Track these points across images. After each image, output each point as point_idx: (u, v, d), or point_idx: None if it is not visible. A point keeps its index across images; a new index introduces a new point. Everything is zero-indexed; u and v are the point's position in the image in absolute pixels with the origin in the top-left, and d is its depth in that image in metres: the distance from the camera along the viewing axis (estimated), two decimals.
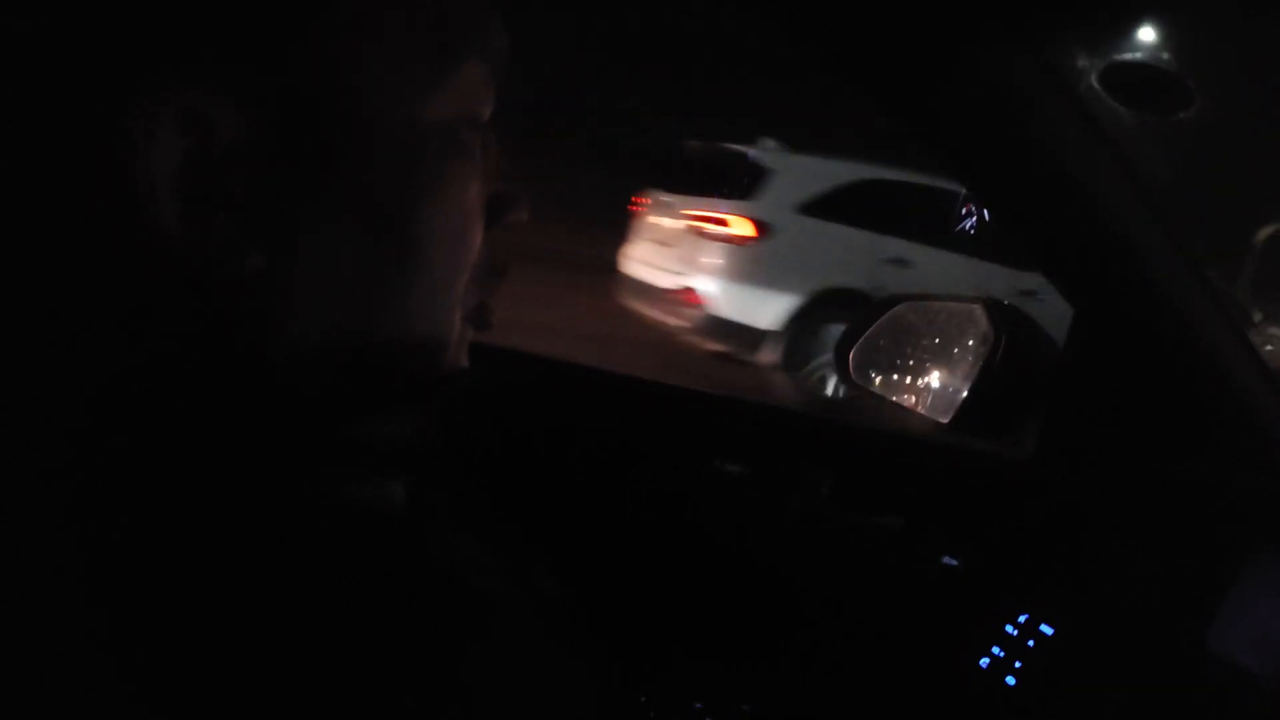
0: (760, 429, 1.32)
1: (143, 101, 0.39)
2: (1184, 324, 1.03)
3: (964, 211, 6.13)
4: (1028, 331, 1.34)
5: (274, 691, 0.37)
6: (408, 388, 0.51)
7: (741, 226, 5.93)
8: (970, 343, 1.50)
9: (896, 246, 6.08)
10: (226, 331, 0.44)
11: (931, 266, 6.03)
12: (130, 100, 0.39)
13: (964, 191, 5.65)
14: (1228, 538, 1.02)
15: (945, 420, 1.38)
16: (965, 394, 1.40)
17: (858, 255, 5.99)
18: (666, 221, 6.42)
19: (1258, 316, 8.48)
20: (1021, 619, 1.06)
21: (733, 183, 6.12)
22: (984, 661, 1.07)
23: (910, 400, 1.57)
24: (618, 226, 7.10)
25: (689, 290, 5.99)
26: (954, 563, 1.19)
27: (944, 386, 1.54)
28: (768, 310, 5.93)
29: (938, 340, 1.58)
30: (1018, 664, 1.04)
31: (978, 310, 1.45)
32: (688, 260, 6.10)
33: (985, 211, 5.76)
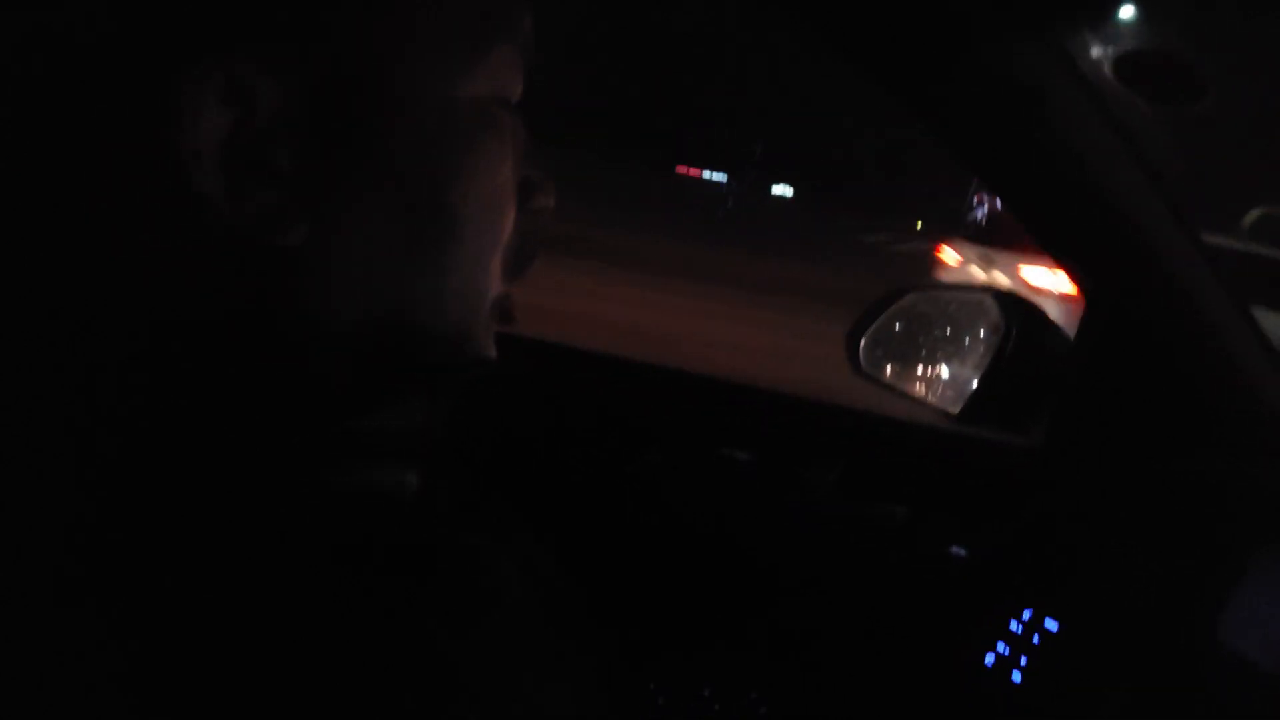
0: (767, 416, 1.31)
1: (188, 73, 0.40)
2: (1196, 315, 1.03)
3: (975, 201, 6.08)
4: (1038, 322, 1.34)
5: (279, 677, 0.37)
6: (433, 373, 0.51)
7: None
8: (981, 333, 1.50)
9: None
10: (264, 306, 0.44)
11: None
12: (176, 72, 0.40)
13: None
14: (1237, 531, 1.02)
15: (954, 411, 1.38)
16: (975, 385, 1.39)
17: None
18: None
19: None
20: (1026, 615, 1.06)
21: None
22: (989, 658, 1.06)
23: (919, 390, 1.56)
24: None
25: None
26: (962, 553, 1.19)
27: (954, 377, 1.54)
28: None
29: (948, 330, 1.58)
30: (1023, 661, 1.04)
31: (988, 300, 1.45)
32: None
33: (997, 201, 5.73)
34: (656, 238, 11.13)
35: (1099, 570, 1.07)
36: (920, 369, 1.57)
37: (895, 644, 1.14)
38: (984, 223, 6.09)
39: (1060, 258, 1.07)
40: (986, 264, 6.01)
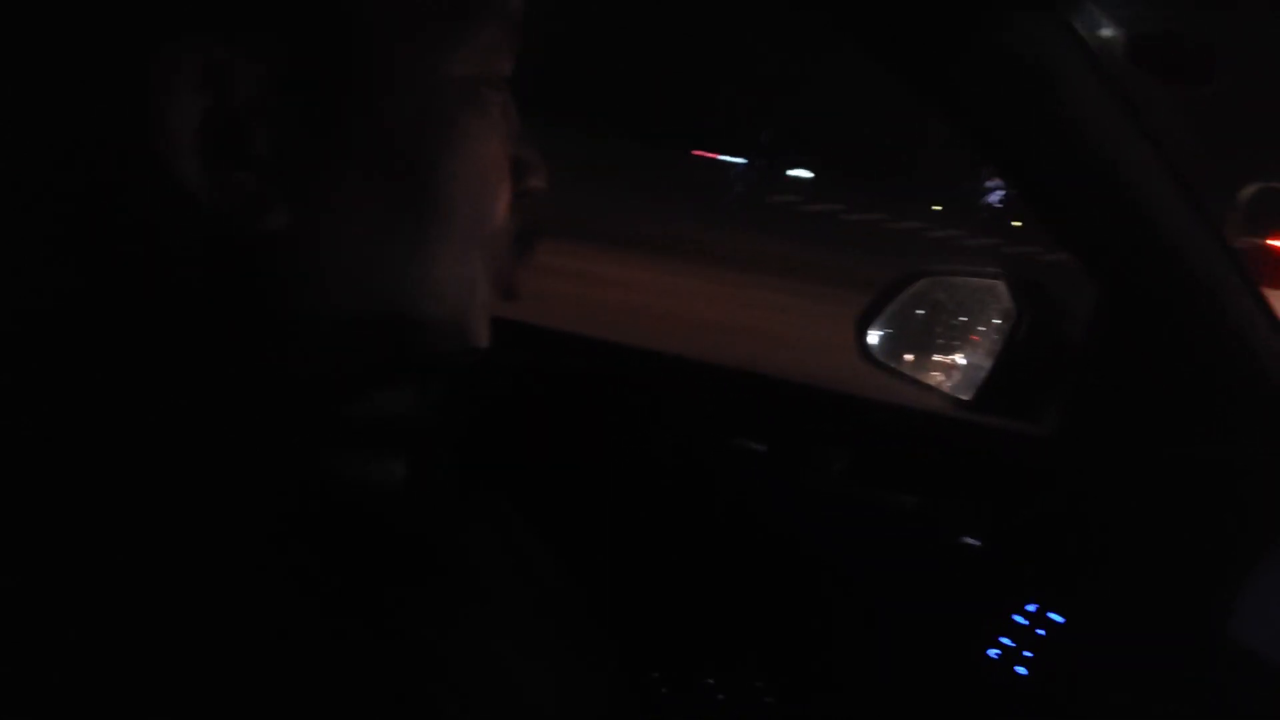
0: (774, 404, 1.31)
1: (160, 56, 0.39)
2: (1209, 299, 1.01)
3: (990, 185, 6.06)
4: (1051, 308, 1.33)
5: (261, 670, 0.36)
6: (425, 359, 0.50)
7: None
8: (993, 319, 1.49)
9: None
10: (246, 293, 0.43)
11: None
12: (147, 55, 0.39)
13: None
14: (1250, 524, 1.01)
15: (967, 398, 1.37)
16: (988, 371, 1.38)
17: None
18: None
19: None
20: (1031, 608, 1.05)
21: None
22: (994, 652, 1.05)
23: (931, 377, 1.55)
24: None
25: None
26: (971, 543, 1.18)
27: (965, 363, 1.53)
28: None
29: (960, 316, 1.57)
30: (1028, 654, 1.03)
31: (1000, 286, 1.43)
32: None
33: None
34: (668, 220, 11.11)
35: (1108, 562, 1.06)
36: (931, 355, 1.56)
37: (900, 634, 1.13)
38: (1000, 206, 6.08)
39: (1070, 242, 1.05)
40: None
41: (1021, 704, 1.03)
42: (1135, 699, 0.97)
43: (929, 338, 1.57)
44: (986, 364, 1.40)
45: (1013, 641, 1.05)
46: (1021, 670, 1.03)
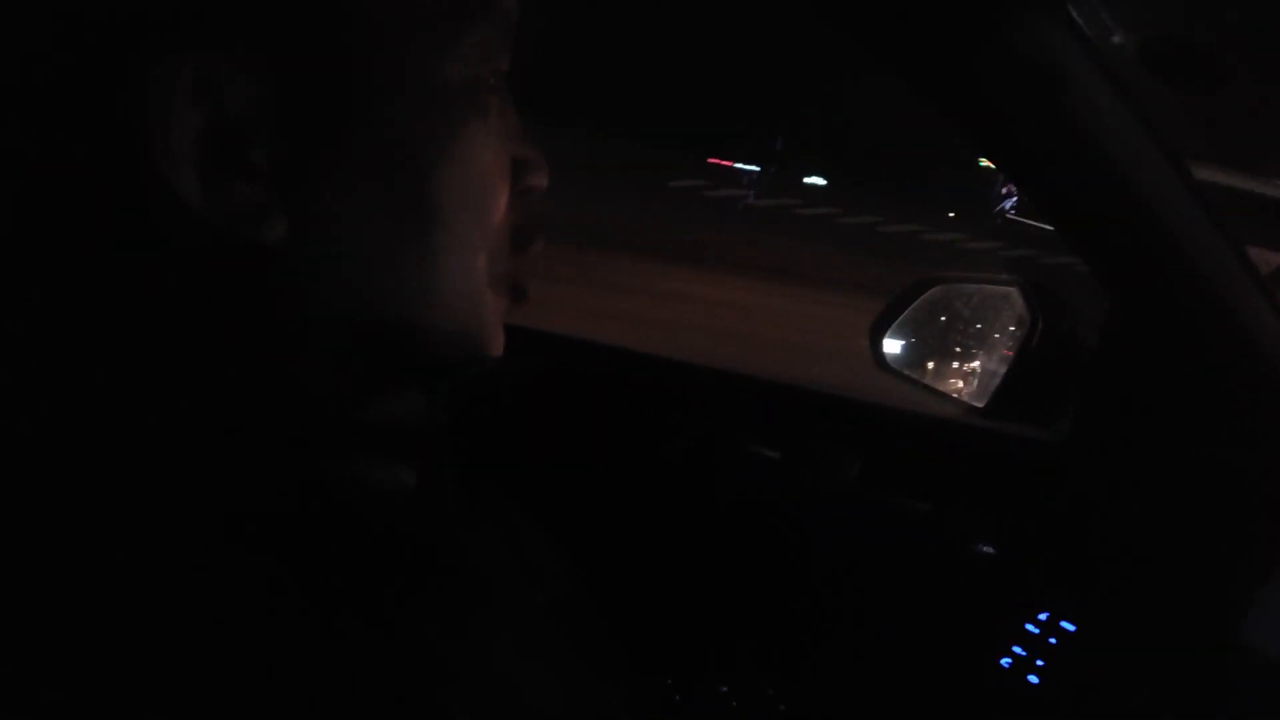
0: (787, 410, 1.30)
1: (156, 69, 0.39)
2: (1224, 306, 1.01)
3: (1004, 192, 6.05)
4: (1064, 314, 1.32)
5: (268, 671, 0.37)
6: (430, 366, 0.50)
7: None
8: (1007, 325, 1.49)
9: None
10: (248, 302, 0.43)
11: None
12: (144, 68, 0.39)
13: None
14: (1262, 527, 1.00)
15: (981, 404, 1.37)
16: (1001, 377, 1.38)
17: None
18: None
19: None
20: (1042, 616, 1.04)
21: None
22: (1006, 660, 1.05)
23: (945, 384, 1.55)
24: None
25: None
26: (984, 550, 1.17)
27: (979, 370, 1.52)
28: None
29: (973, 323, 1.57)
30: (1040, 662, 1.02)
31: (1014, 293, 1.43)
32: None
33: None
34: (682, 228, 11.06)
35: (1122, 568, 1.05)
36: (945, 362, 1.56)
37: (913, 642, 1.12)
38: (1013, 212, 6.07)
39: (1082, 248, 1.05)
40: None
41: (1034, 712, 1.03)
42: (1147, 705, 0.96)
43: (943, 345, 1.57)
44: (1000, 370, 1.40)
45: (1025, 650, 1.04)
46: (1033, 679, 1.03)
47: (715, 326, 7.10)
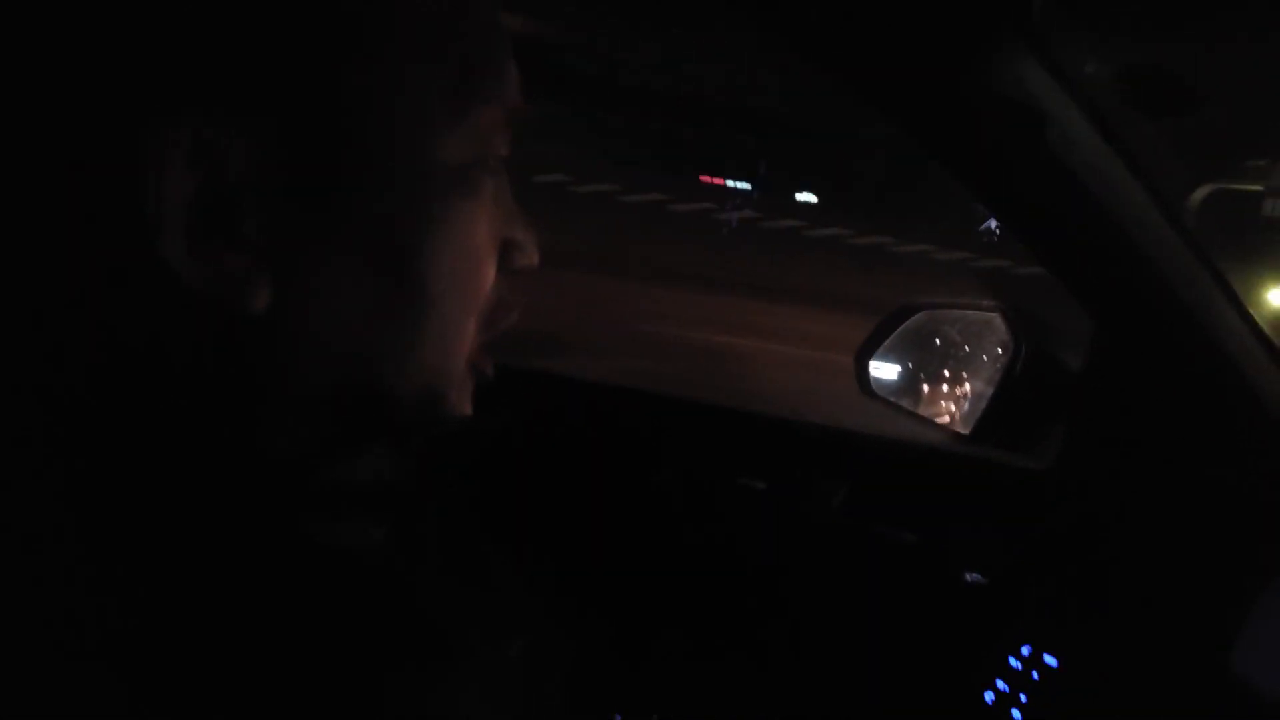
0: (774, 440, 1.30)
1: (153, 134, 0.39)
2: (1204, 330, 1.01)
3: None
4: (1048, 340, 1.32)
5: None
6: (404, 431, 0.50)
7: None
8: (990, 352, 1.48)
9: None
10: (229, 368, 0.43)
11: None
12: (141, 132, 0.39)
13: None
14: (1251, 554, 1.00)
15: (965, 431, 1.36)
16: (986, 404, 1.38)
17: None
18: None
19: None
20: (1025, 650, 1.04)
21: None
22: (989, 696, 1.04)
23: (930, 410, 1.55)
24: None
25: None
26: (975, 579, 1.17)
27: (963, 396, 1.52)
28: None
29: (957, 349, 1.57)
30: (1023, 698, 1.02)
31: (997, 319, 1.43)
32: None
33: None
34: (670, 245, 11.07)
35: (1106, 598, 1.05)
36: (930, 388, 1.56)
37: (896, 676, 1.12)
38: (998, 231, 6.10)
39: (1065, 276, 1.05)
40: None
41: None
42: None
43: (928, 371, 1.56)
44: (985, 397, 1.40)
45: (1007, 686, 1.04)
46: (1016, 715, 1.02)
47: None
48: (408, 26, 0.44)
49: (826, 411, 1.37)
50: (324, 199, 0.43)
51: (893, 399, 1.53)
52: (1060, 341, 1.32)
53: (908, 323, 1.56)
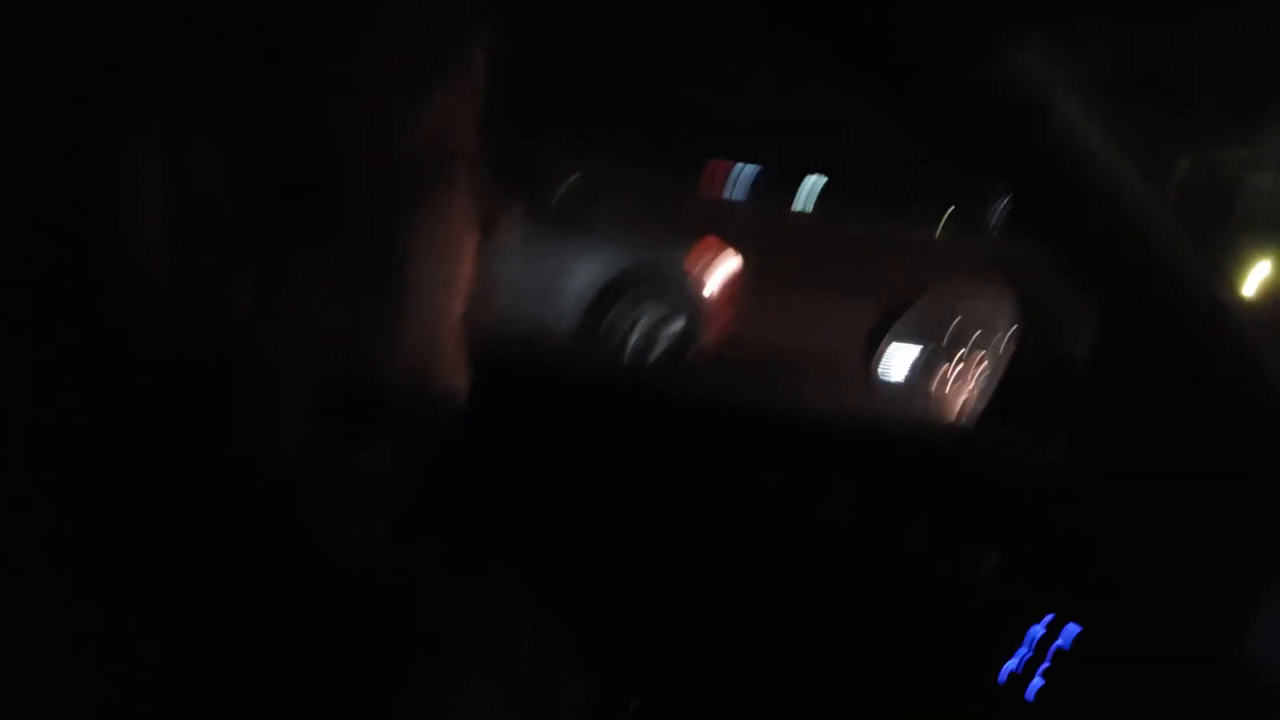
0: (786, 434, 1.31)
1: (122, 140, 0.39)
2: (1208, 322, 1.01)
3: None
4: (1057, 325, 1.32)
5: None
6: (399, 424, 0.50)
7: None
8: (999, 339, 1.49)
9: None
10: (214, 373, 0.43)
11: None
12: (111, 144, 0.39)
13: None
14: (1262, 541, 1.00)
15: (974, 418, 1.37)
16: (995, 392, 1.38)
17: None
18: None
19: None
20: (1039, 633, 1.04)
21: None
22: (1003, 675, 1.05)
23: (939, 397, 1.55)
24: None
25: None
26: (982, 566, 1.17)
27: (971, 383, 1.52)
28: None
29: (966, 336, 1.57)
30: (1039, 677, 1.03)
31: (1006, 305, 1.43)
32: None
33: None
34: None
35: (1119, 583, 1.06)
36: (937, 376, 1.56)
37: (908, 662, 1.12)
38: (1002, 220, 6.03)
39: (1070, 270, 1.05)
40: None
41: None
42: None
43: (934, 358, 1.57)
44: (994, 385, 1.40)
45: (1022, 665, 1.04)
46: (1031, 694, 1.03)
47: None
48: (368, 17, 0.44)
49: (834, 403, 1.38)
50: (297, 196, 0.43)
51: (900, 386, 1.53)
52: (1070, 329, 1.32)
53: (915, 310, 1.56)
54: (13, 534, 0.40)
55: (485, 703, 0.46)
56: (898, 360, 1.58)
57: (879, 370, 1.56)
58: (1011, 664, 1.05)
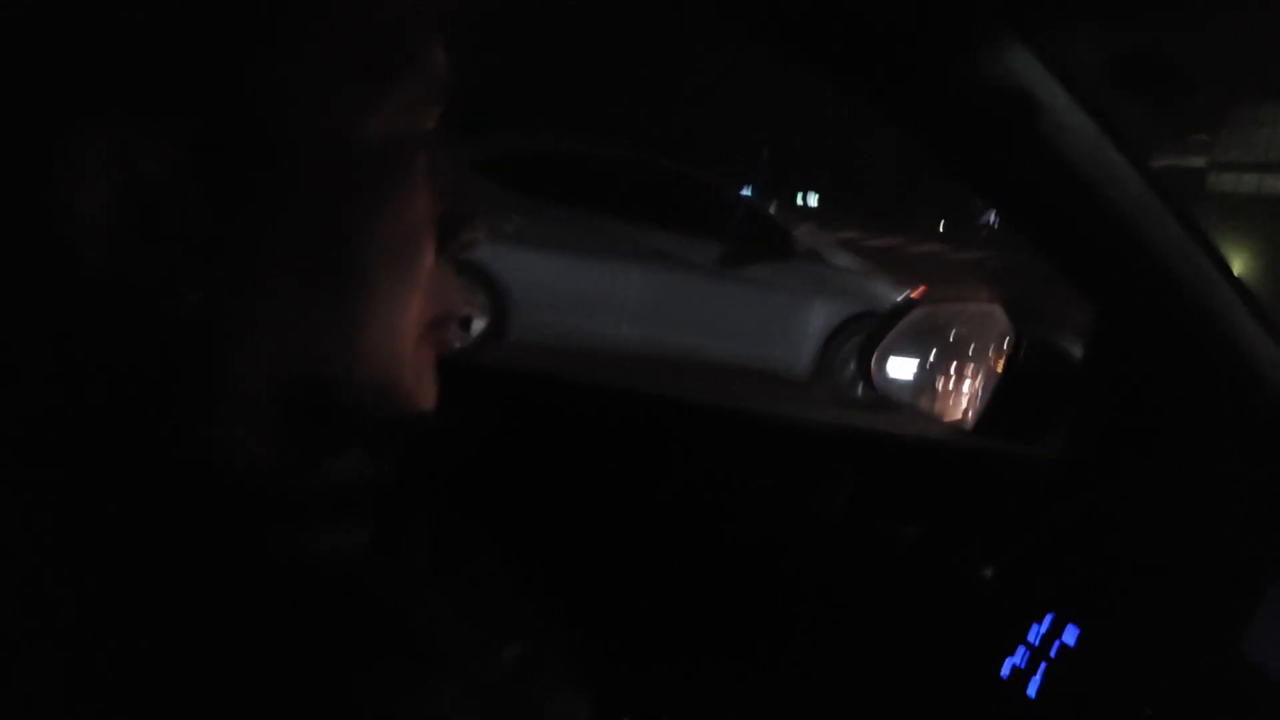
0: (780, 438, 1.30)
1: (68, 139, 0.39)
2: (1206, 315, 1.00)
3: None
4: (1051, 329, 1.32)
5: None
6: (362, 426, 0.50)
7: None
8: (993, 344, 1.48)
9: None
10: (170, 373, 0.43)
11: None
12: (55, 138, 0.39)
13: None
14: (1262, 538, 0.99)
15: (969, 424, 1.36)
16: (989, 395, 1.37)
17: None
18: None
19: None
20: (1040, 631, 1.04)
21: None
22: (1005, 671, 1.04)
23: (934, 403, 1.54)
24: None
25: None
26: (984, 570, 1.16)
27: (967, 389, 1.51)
28: None
29: (960, 342, 1.56)
30: (1040, 675, 1.02)
31: (998, 310, 1.43)
32: None
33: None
34: None
35: (1119, 582, 1.05)
36: (933, 382, 1.55)
37: (909, 660, 1.12)
38: (997, 224, 6.09)
39: (1063, 265, 1.04)
40: None
41: None
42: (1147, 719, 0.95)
43: (931, 365, 1.56)
44: (989, 389, 1.39)
45: (1023, 664, 1.04)
46: (1032, 691, 1.02)
47: None
48: (324, 12, 0.43)
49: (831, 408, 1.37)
50: (249, 192, 0.42)
51: (897, 393, 1.52)
52: (1062, 330, 1.31)
53: (909, 318, 1.55)
54: None
55: (466, 708, 0.45)
56: (890, 368, 1.57)
57: (872, 379, 1.55)
58: (1014, 659, 1.04)
